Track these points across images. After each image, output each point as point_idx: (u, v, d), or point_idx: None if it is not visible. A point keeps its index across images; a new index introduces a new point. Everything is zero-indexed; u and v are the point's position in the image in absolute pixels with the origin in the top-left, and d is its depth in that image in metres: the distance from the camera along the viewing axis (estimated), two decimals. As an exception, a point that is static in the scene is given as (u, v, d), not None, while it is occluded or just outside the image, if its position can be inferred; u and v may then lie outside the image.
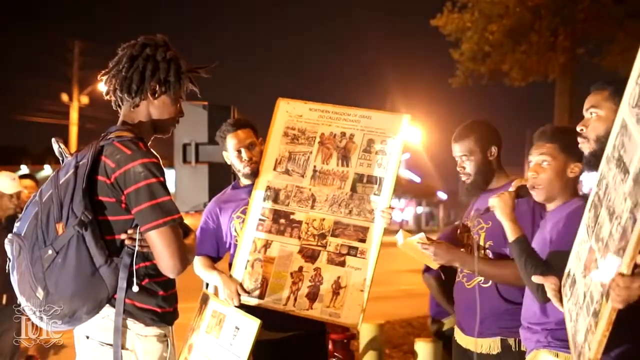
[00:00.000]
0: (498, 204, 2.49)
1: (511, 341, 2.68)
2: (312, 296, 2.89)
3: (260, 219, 2.98)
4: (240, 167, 3.10)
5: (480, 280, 2.78)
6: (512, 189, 2.72)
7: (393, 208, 2.92)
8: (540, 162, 2.47)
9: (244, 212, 3.05)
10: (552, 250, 2.31)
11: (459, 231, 3.02)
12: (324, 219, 2.94)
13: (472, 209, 2.94)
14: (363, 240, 2.89)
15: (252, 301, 2.92)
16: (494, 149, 2.86)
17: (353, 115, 3.00)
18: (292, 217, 2.96)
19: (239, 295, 2.92)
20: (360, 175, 2.94)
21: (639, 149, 1.60)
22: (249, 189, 3.07)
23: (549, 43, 12.41)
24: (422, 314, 8.56)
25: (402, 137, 2.93)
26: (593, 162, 2.02)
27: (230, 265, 3.12)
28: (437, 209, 62.41)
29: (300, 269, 2.92)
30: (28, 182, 5.66)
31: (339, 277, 2.89)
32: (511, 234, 2.41)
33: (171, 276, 2.07)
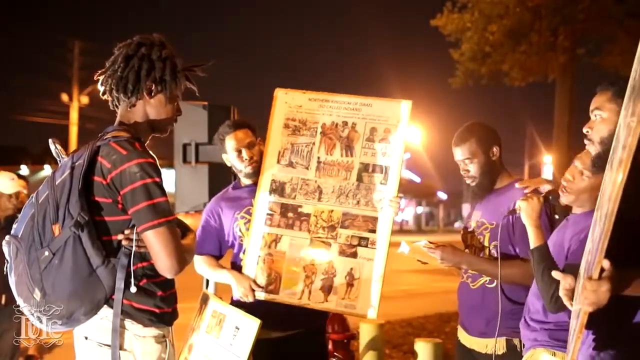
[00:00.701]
0: (526, 208, 2.46)
1: (516, 341, 2.68)
2: (327, 289, 2.88)
3: (267, 214, 2.96)
4: (242, 167, 3.09)
5: (486, 281, 2.78)
6: (519, 185, 2.73)
7: (401, 197, 2.89)
8: (582, 171, 2.46)
9: (248, 213, 3.03)
10: (569, 262, 2.29)
11: (462, 232, 3.02)
12: (332, 211, 2.92)
13: (475, 210, 2.94)
14: (373, 231, 2.87)
15: (267, 296, 2.91)
16: (495, 149, 2.85)
17: (353, 104, 2.96)
18: (299, 210, 2.94)
19: (253, 291, 2.91)
20: (365, 164, 2.91)
21: (619, 152, 1.62)
22: (251, 188, 3.06)
23: (549, 43, 12.43)
24: (422, 314, 8.58)
25: (405, 123, 2.90)
26: (598, 164, 2.02)
27: (232, 264, 3.11)
28: (437, 209, 62.41)
29: (313, 262, 2.91)
30: (20, 182, 5.67)
31: (352, 269, 2.87)
32: (534, 241, 2.39)
33: (169, 276, 2.06)
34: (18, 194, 4.67)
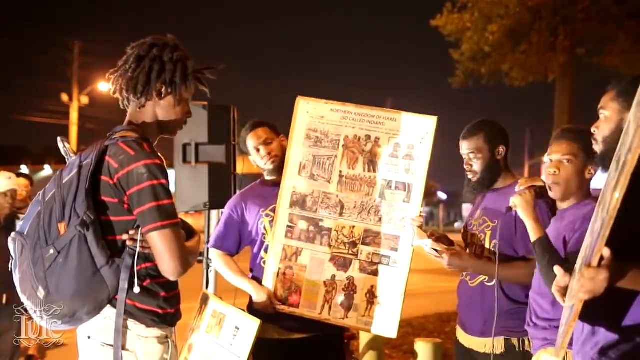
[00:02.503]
0: (520, 202, 2.47)
1: (515, 341, 2.68)
2: (347, 305, 2.87)
3: (288, 226, 2.93)
4: (262, 164, 3.08)
5: (485, 279, 2.78)
6: (517, 187, 2.73)
7: (423, 216, 2.86)
8: (562, 159, 2.46)
9: (273, 211, 3.00)
10: (570, 252, 2.29)
11: (463, 230, 3.02)
12: (353, 227, 2.89)
13: (478, 208, 2.94)
14: (395, 249, 2.84)
15: (287, 309, 2.91)
16: (501, 149, 2.86)
17: (377, 117, 2.90)
18: (321, 224, 2.91)
19: (273, 304, 2.90)
20: (388, 181, 2.87)
21: (626, 147, 1.62)
22: (277, 186, 3.00)
23: (549, 43, 12.45)
24: (422, 314, 8.57)
25: (429, 140, 2.84)
26: (601, 163, 2.03)
27: (251, 268, 3.11)
28: (437, 209, 62.42)
29: (333, 277, 2.89)
30: (22, 181, 5.67)
31: (372, 286, 2.86)
32: (534, 234, 2.39)
33: (172, 278, 2.05)
34: (14, 192, 4.67)
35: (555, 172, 2.46)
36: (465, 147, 2.87)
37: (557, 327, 2.38)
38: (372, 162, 2.90)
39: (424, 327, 7.90)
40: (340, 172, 2.92)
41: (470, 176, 2.88)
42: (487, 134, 2.85)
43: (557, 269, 1.94)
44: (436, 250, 2.79)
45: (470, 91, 14.49)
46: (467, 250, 2.86)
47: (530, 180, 2.76)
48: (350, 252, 2.88)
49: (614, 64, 12.43)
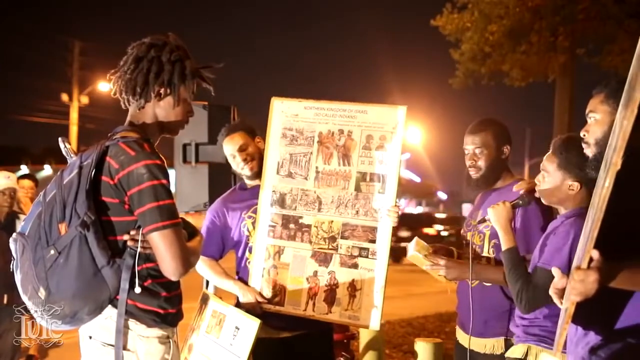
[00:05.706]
0: (493, 215, 2.57)
1: (515, 341, 2.69)
2: (330, 300, 2.89)
3: (270, 225, 2.97)
4: (240, 170, 3.11)
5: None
6: (515, 188, 2.75)
7: (398, 206, 2.88)
8: (543, 174, 2.52)
9: (255, 212, 3.03)
10: (535, 264, 2.41)
11: (462, 230, 3.02)
12: (332, 222, 2.92)
13: (478, 208, 2.94)
14: (373, 241, 2.86)
15: (273, 308, 2.93)
16: (506, 149, 2.87)
17: (349, 111, 2.93)
18: (300, 221, 2.94)
19: (259, 303, 2.92)
20: (362, 173, 2.89)
21: (612, 147, 1.63)
22: (257, 190, 3.04)
23: (549, 43, 12.42)
24: (422, 314, 8.57)
25: (401, 130, 2.86)
26: (594, 166, 2.03)
27: (237, 270, 3.12)
28: (437, 209, 62.38)
29: (315, 273, 2.91)
30: (27, 182, 5.68)
31: (353, 280, 2.87)
32: (504, 244, 2.52)
33: (173, 279, 2.05)
34: (13, 191, 4.66)
35: (538, 183, 2.53)
36: (471, 142, 2.86)
37: (524, 326, 2.52)
38: (346, 156, 2.92)
39: (424, 327, 7.91)
40: (317, 168, 2.95)
41: (472, 172, 2.87)
42: (496, 131, 2.86)
43: (555, 271, 1.95)
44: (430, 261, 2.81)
45: (470, 91, 14.48)
46: (466, 249, 2.87)
47: (527, 183, 2.78)
48: (330, 246, 2.91)
49: (614, 64, 12.42)
